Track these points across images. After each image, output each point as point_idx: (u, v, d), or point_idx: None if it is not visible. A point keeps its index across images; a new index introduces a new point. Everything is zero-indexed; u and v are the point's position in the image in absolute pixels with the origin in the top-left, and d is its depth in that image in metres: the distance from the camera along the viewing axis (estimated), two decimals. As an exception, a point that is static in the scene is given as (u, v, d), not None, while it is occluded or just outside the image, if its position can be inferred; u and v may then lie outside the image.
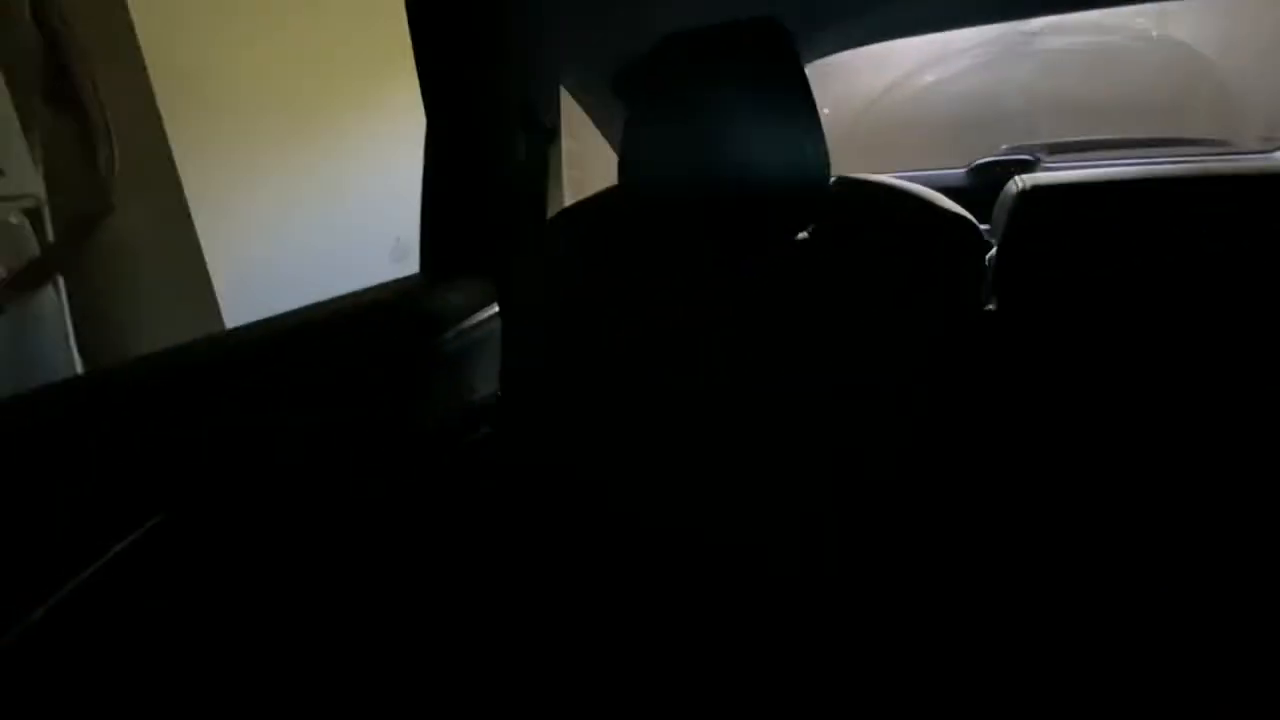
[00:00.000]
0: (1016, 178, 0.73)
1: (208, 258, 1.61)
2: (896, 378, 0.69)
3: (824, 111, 0.71)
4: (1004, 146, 1.59)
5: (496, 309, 0.96)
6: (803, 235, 0.74)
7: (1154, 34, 1.69)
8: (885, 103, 2.08)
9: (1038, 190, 0.68)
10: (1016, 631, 0.75)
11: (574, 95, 1.18)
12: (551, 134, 1.08)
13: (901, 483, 0.69)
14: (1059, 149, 1.57)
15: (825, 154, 0.71)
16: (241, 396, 0.64)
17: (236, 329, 0.77)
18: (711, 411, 0.75)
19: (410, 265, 1.05)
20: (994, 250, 0.71)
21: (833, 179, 0.74)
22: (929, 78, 1.99)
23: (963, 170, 1.60)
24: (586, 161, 1.27)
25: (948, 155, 1.66)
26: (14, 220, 1.31)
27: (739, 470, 0.75)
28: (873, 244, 0.70)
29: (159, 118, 1.52)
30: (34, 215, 1.35)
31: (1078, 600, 0.75)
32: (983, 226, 0.69)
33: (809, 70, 0.71)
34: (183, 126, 1.55)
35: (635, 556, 0.78)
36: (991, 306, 0.70)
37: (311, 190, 1.86)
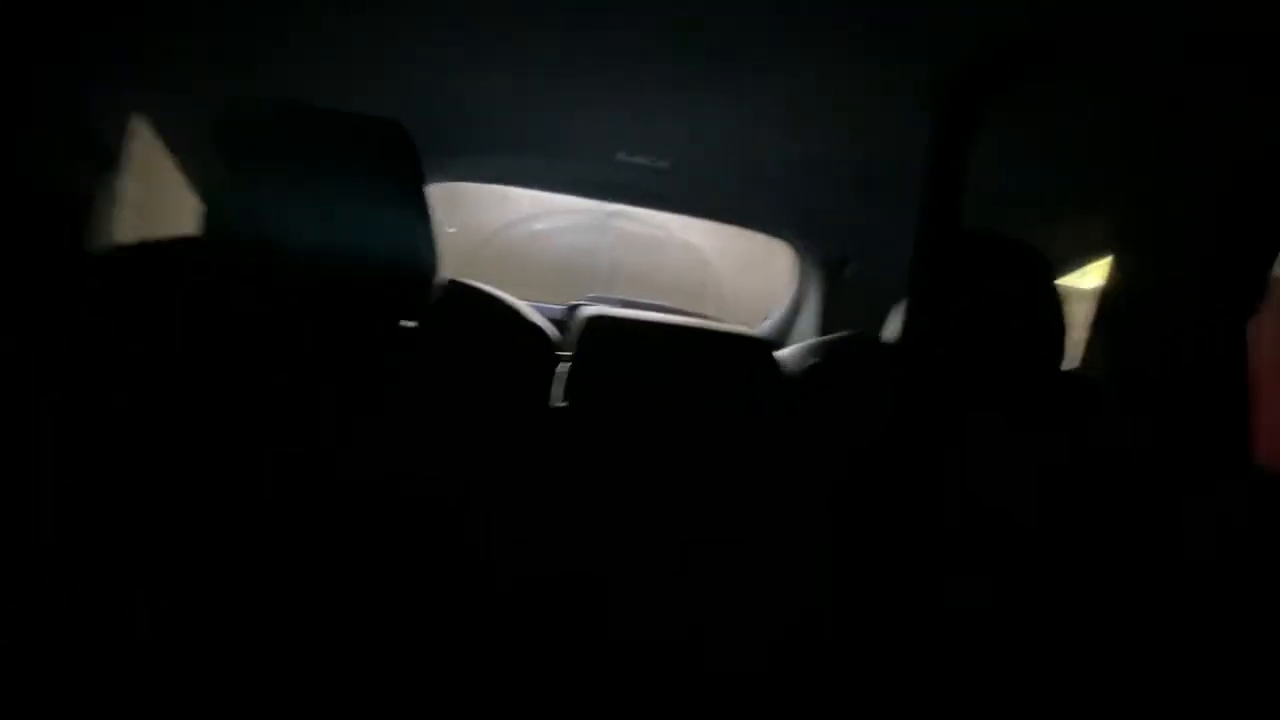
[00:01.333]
0: (586, 308, 0.92)
1: None
2: (479, 461, 0.75)
3: (450, 230, 0.79)
4: (590, 295, 1.97)
5: None
6: (408, 325, 0.77)
7: (680, 238, 2.39)
8: (504, 238, 2.35)
9: (597, 318, 0.87)
10: None
11: (154, 128, 1.00)
12: (106, 161, 0.88)
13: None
14: (625, 304, 2.03)
15: (434, 256, 0.76)
16: None
17: None
18: (314, 491, 0.72)
19: None
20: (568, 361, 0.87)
21: (443, 279, 0.80)
22: (540, 225, 2.35)
23: (561, 307, 1.91)
24: (154, 206, 1.06)
25: (551, 292, 1.97)
26: None
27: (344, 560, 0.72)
28: (467, 339, 0.79)
29: None
30: None
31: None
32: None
33: (441, 189, 0.78)
34: None
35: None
36: (561, 404, 0.84)
37: None
